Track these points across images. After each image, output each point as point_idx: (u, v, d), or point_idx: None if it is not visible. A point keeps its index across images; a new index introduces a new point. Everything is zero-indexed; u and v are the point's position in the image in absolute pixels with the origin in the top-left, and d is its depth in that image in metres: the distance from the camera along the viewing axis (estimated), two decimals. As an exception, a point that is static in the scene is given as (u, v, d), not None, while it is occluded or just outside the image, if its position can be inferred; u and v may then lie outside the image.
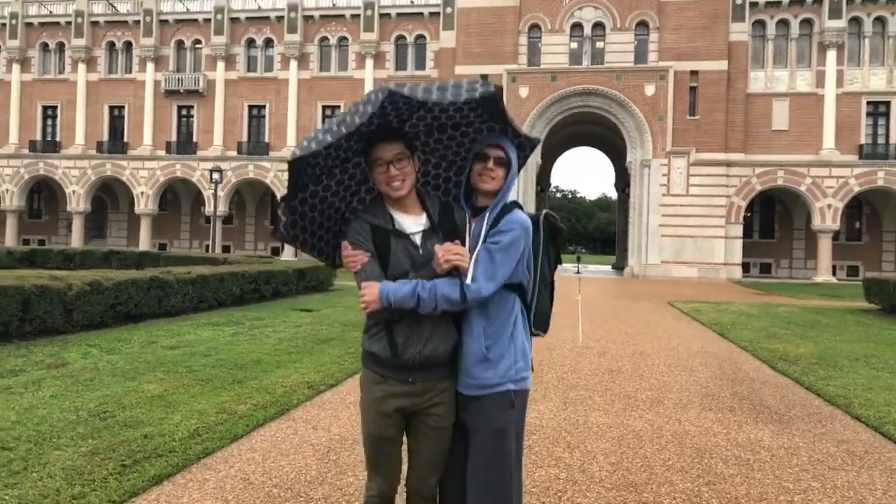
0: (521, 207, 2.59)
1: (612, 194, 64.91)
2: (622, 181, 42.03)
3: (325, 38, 39.13)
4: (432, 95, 2.24)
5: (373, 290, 2.34)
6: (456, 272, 2.35)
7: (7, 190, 41.34)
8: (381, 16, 38.24)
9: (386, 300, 2.33)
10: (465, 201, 2.60)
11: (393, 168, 2.40)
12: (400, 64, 38.47)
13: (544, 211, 2.67)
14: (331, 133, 2.25)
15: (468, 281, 2.34)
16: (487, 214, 2.48)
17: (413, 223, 2.49)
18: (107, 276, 10.79)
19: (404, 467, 2.64)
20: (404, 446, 2.60)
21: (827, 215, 33.25)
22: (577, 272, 35.12)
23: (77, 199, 40.50)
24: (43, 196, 45.32)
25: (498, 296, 2.45)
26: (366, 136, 2.43)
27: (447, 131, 2.59)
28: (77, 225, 40.62)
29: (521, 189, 33.37)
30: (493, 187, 2.51)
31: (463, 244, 2.44)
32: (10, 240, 40.52)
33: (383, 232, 2.44)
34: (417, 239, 2.46)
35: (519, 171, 2.69)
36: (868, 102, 33.74)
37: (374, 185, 2.51)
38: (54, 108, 42.00)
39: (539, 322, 2.66)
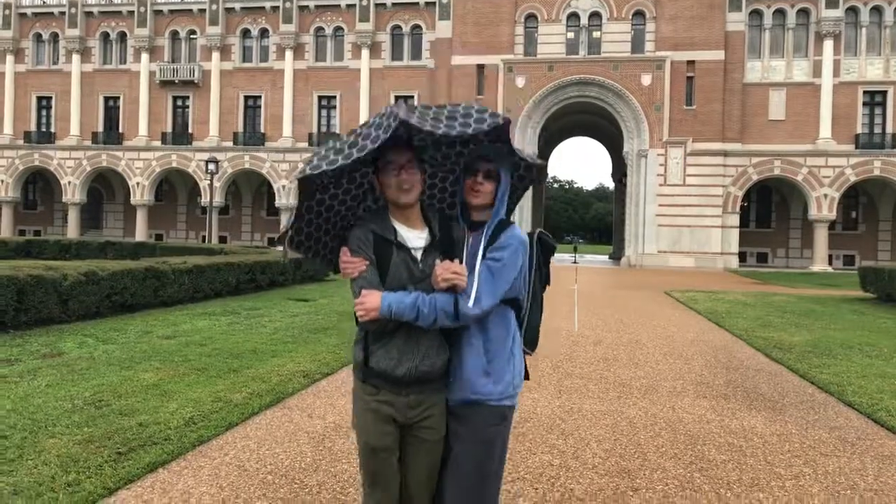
0: (513, 224, 2.59)
1: (610, 184, 64.92)
2: (619, 171, 42.03)
3: (320, 28, 38.93)
4: (440, 128, 2.24)
5: (374, 298, 2.31)
6: (453, 290, 2.34)
7: (2, 181, 41.13)
8: (377, 5, 38.01)
9: (387, 309, 2.30)
10: (462, 215, 2.61)
11: (404, 172, 2.41)
12: (396, 54, 38.29)
13: (538, 230, 2.70)
14: (342, 155, 2.27)
15: (470, 302, 2.33)
16: (485, 231, 2.49)
17: (415, 237, 2.48)
18: (102, 267, 10.77)
19: None
20: None
21: (823, 205, 33.29)
22: (574, 262, 35.18)
23: (72, 190, 40.36)
24: (38, 187, 45.15)
25: (496, 311, 2.46)
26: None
27: (456, 147, 2.60)
28: (73, 216, 40.50)
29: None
30: (481, 201, 2.51)
31: (460, 259, 2.44)
32: (6, 231, 40.40)
33: (385, 242, 2.43)
34: (418, 254, 2.46)
35: (520, 195, 2.72)
36: (865, 92, 33.69)
37: (382, 193, 2.50)
38: (49, 98, 41.77)
39: (528, 339, 2.68)
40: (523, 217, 34.28)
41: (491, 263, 2.40)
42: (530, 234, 2.65)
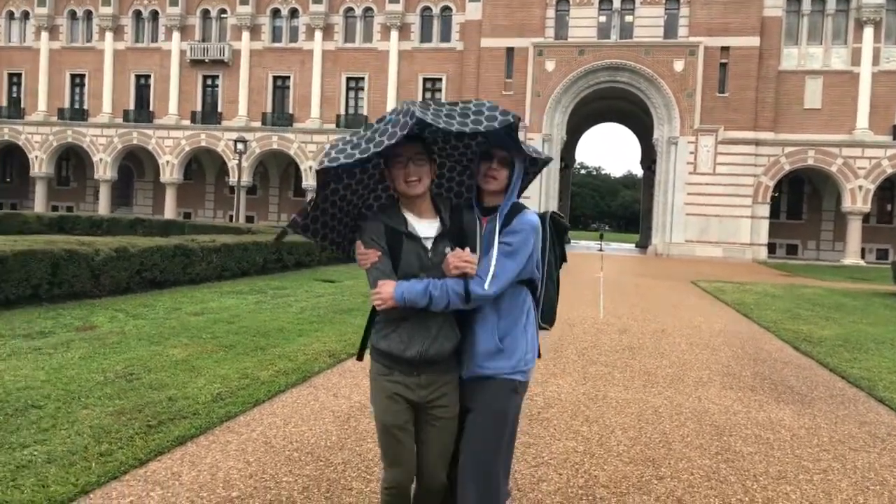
0: (526, 208, 2.69)
1: (638, 171, 64.06)
2: (648, 158, 41.46)
3: (350, 9, 38.80)
4: (453, 125, 2.33)
5: (388, 288, 2.44)
6: (465, 278, 2.43)
7: (36, 157, 41.84)
8: (407, -14, 37.77)
9: (401, 297, 2.41)
10: (476, 201, 2.71)
11: (412, 165, 2.50)
12: (425, 36, 38.06)
13: (550, 211, 2.84)
14: (359, 150, 2.36)
15: (485, 284, 2.42)
16: (498, 215, 2.58)
17: (426, 227, 2.59)
18: (133, 243, 10.94)
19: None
20: None
21: (858, 197, 32.56)
22: (600, 249, 34.94)
23: (104, 167, 40.92)
24: (71, 163, 45.84)
25: (510, 291, 2.55)
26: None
27: (464, 139, 2.69)
28: (104, 192, 41.10)
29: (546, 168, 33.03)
30: (495, 187, 2.61)
31: (472, 245, 2.54)
32: (40, 206, 41.14)
33: (396, 233, 2.54)
34: (429, 243, 2.56)
35: (529, 182, 2.79)
36: (904, 81, 32.77)
37: (391, 184, 2.60)
38: (82, 76, 42.25)
39: (546, 316, 2.81)
40: (549, 204, 33.92)
41: (504, 247, 2.50)
42: (542, 215, 2.76)
